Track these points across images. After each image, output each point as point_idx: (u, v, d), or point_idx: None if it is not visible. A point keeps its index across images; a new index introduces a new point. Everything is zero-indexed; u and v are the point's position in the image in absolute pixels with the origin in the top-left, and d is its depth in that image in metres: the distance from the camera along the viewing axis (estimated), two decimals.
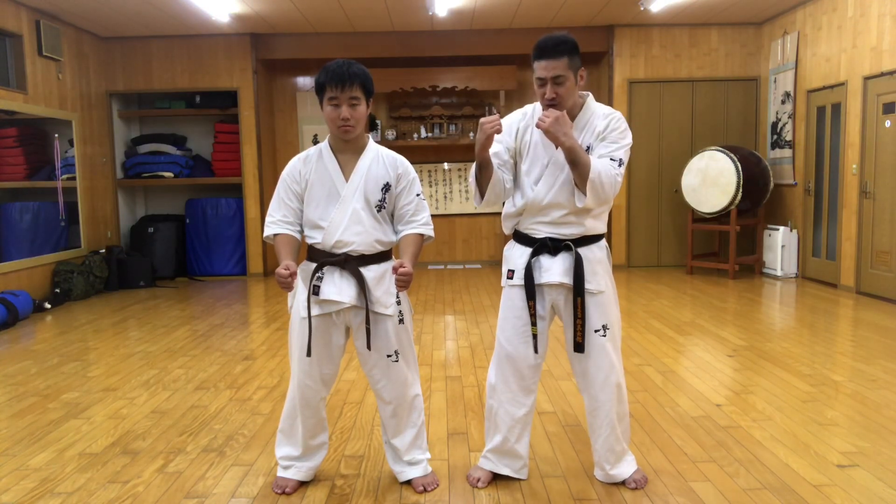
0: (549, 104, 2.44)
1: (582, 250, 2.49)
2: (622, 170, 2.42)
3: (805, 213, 7.47)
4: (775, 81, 7.91)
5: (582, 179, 2.36)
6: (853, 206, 6.54)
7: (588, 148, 2.47)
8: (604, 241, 2.58)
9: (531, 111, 2.59)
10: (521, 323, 2.55)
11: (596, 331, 2.50)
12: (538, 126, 2.38)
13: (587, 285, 2.47)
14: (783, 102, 7.76)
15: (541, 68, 2.41)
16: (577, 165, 2.36)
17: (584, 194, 2.38)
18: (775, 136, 7.97)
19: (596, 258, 2.51)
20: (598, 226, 2.54)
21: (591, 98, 2.55)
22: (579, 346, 2.50)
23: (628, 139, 2.47)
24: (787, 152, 7.71)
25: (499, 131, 2.39)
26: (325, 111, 2.43)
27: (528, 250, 2.53)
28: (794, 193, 7.65)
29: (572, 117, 2.49)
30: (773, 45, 7.94)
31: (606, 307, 2.51)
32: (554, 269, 2.49)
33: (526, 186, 2.53)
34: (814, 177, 7.31)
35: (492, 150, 2.52)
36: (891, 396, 3.58)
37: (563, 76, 2.39)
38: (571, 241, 2.49)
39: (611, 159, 2.40)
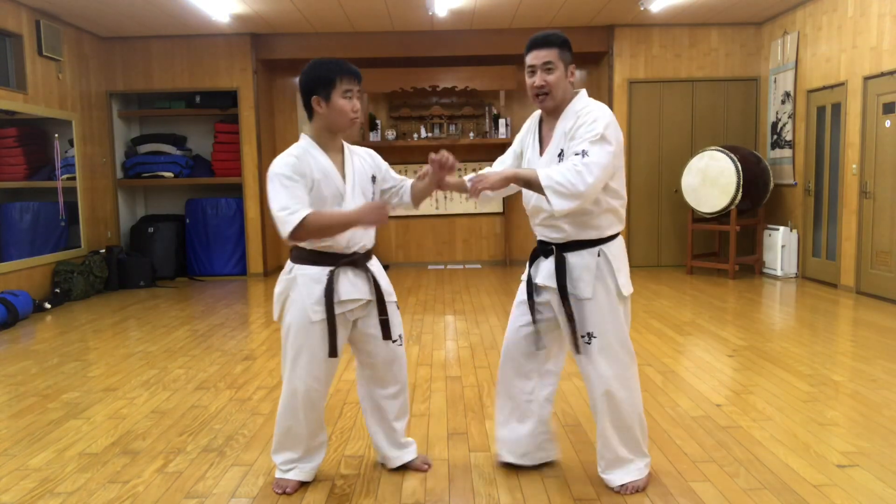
0: (537, 93, 2.46)
1: (570, 255, 2.49)
2: (593, 157, 2.28)
3: (805, 213, 7.47)
4: (775, 81, 7.91)
5: (539, 190, 2.35)
6: (853, 206, 6.54)
7: (561, 151, 2.45)
8: (597, 249, 2.47)
9: (533, 117, 2.70)
10: (519, 313, 2.68)
11: (581, 337, 2.49)
12: (472, 195, 2.52)
13: (571, 290, 2.48)
14: (783, 102, 7.76)
15: (531, 57, 2.47)
16: (529, 184, 2.40)
17: (549, 202, 2.33)
18: (775, 136, 7.97)
19: (583, 264, 2.47)
20: (586, 232, 2.47)
21: (583, 93, 2.53)
22: (575, 348, 2.54)
23: (597, 129, 2.32)
24: (787, 152, 7.71)
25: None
26: (335, 104, 2.41)
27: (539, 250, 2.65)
28: (794, 193, 7.65)
29: (561, 111, 2.50)
30: (773, 45, 7.93)
31: (594, 315, 2.46)
32: (542, 272, 2.57)
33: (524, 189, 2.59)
34: (814, 177, 7.31)
35: (504, 159, 2.77)
36: (891, 396, 3.58)
37: (552, 63, 2.42)
38: (557, 245, 2.52)
39: (574, 154, 2.32)
